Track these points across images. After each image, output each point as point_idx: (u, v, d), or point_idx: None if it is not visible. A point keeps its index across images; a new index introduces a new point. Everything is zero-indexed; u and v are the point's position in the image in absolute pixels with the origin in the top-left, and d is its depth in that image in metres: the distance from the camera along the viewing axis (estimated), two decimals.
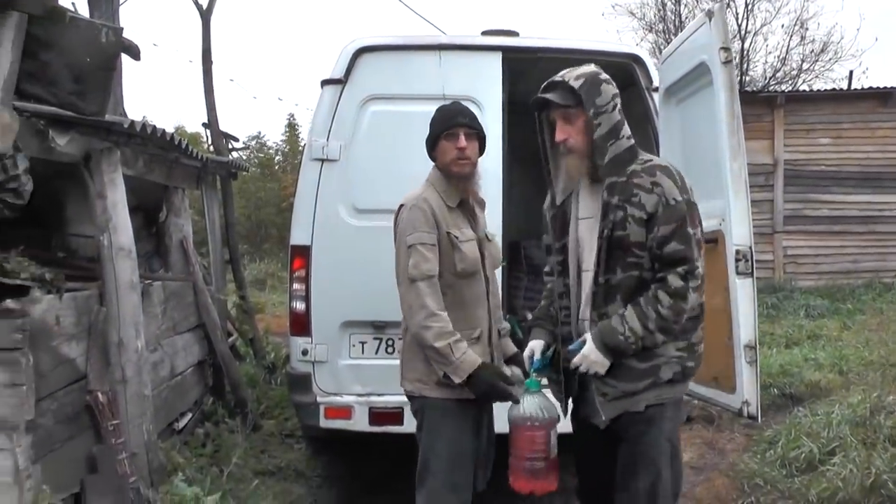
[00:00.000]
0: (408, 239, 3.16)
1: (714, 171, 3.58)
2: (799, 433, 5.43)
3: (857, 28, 29.83)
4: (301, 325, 4.36)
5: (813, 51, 18.71)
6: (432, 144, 3.33)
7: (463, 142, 3.23)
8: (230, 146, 8.13)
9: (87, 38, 3.26)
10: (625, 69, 4.70)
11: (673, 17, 20.88)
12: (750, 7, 20.10)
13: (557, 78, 2.93)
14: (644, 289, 2.81)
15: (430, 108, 4.27)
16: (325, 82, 4.45)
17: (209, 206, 6.37)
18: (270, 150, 27.13)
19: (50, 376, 3.40)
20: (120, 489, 3.58)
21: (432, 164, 3.40)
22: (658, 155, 3.83)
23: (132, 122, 3.80)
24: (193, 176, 5.92)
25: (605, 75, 2.92)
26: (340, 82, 4.39)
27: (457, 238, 3.22)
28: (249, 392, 6.13)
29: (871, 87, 14.87)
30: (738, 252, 3.46)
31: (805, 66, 18.89)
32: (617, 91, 2.91)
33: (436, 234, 3.18)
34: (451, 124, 3.26)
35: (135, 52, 3.69)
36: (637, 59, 4.74)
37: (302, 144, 26.97)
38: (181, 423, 5.03)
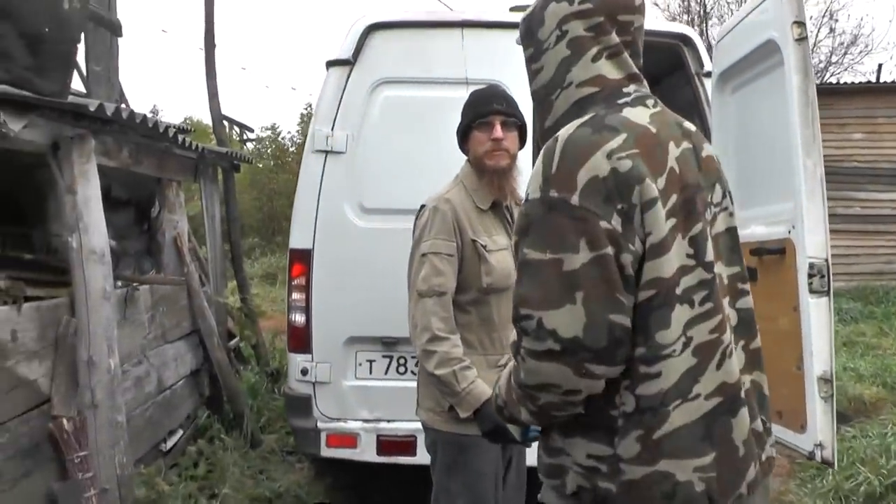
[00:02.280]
0: (422, 246, 2.72)
1: (782, 170, 3.05)
2: (852, 460, 4.94)
3: (889, 20, 29.07)
4: (300, 340, 3.87)
5: (842, 43, 18.11)
6: (463, 135, 2.86)
7: (499, 131, 2.76)
8: (244, 137, 7.64)
9: (47, 4, 2.75)
10: (671, 50, 4.18)
11: (698, 8, 20.37)
12: None
13: None
14: None
15: (451, 94, 3.82)
16: (330, 63, 3.95)
17: (208, 200, 5.88)
18: (285, 141, 26.75)
19: (3, 401, 2.92)
20: None
21: (463, 158, 2.93)
22: None
23: (101, 105, 3.29)
24: (190, 168, 5.43)
25: None
26: (348, 63, 3.89)
27: (484, 247, 2.73)
28: (249, 403, 5.64)
29: None
30: (812, 266, 2.91)
31: (834, 58, 18.33)
32: (578, 9, 1.66)
33: (455, 242, 2.71)
34: (486, 111, 2.78)
35: (116, 28, 3.20)
36: (686, 40, 4.21)
37: None
38: (170, 443, 4.55)
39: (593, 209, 1.46)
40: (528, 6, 4.27)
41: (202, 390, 5.37)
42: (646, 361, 1.50)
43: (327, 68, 3.97)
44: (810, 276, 2.91)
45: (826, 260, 2.99)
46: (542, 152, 1.57)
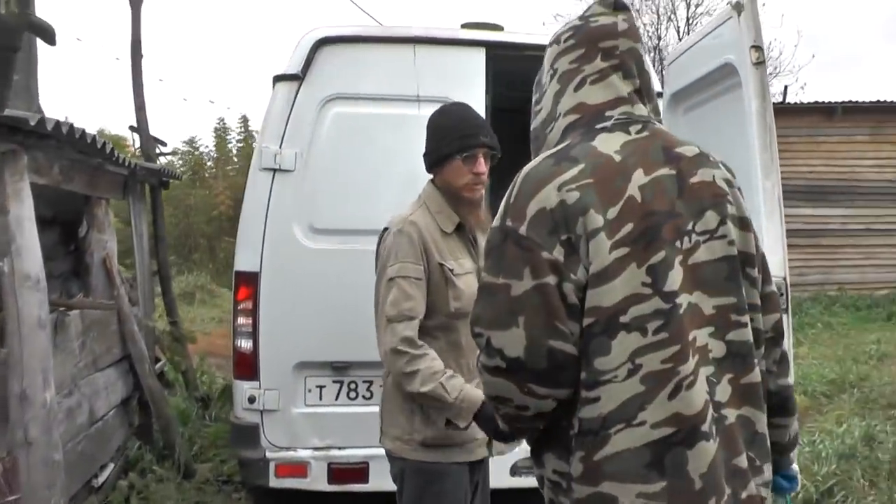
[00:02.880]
0: (388, 271, 2.60)
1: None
2: None
3: (794, 45, 30.36)
4: (247, 366, 3.70)
5: None
6: (438, 161, 2.73)
7: (482, 166, 2.69)
8: (158, 151, 7.39)
9: None
10: None
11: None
12: (692, 22, 20.19)
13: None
14: None
15: (402, 111, 3.77)
16: (278, 78, 3.81)
17: (137, 218, 5.63)
18: (202, 156, 26.12)
19: None
20: None
21: (417, 177, 2.86)
22: None
23: (42, 119, 3.08)
24: (119, 185, 5.18)
25: (554, 35, 1.83)
26: (297, 78, 3.75)
27: (451, 271, 2.64)
28: (181, 431, 5.39)
29: (815, 102, 15.00)
30: None
31: None
32: (565, 47, 1.75)
33: (422, 265, 2.61)
34: (473, 144, 2.67)
35: (50, 35, 2.97)
36: None
37: (231, 148, 26.24)
38: (101, 478, 4.28)
39: (537, 240, 1.54)
40: (480, 23, 4.26)
41: (132, 419, 5.11)
42: (587, 386, 1.55)
43: (274, 83, 3.83)
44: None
45: (784, 278, 3.03)
46: (511, 184, 1.66)
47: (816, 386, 7.49)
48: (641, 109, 1.71)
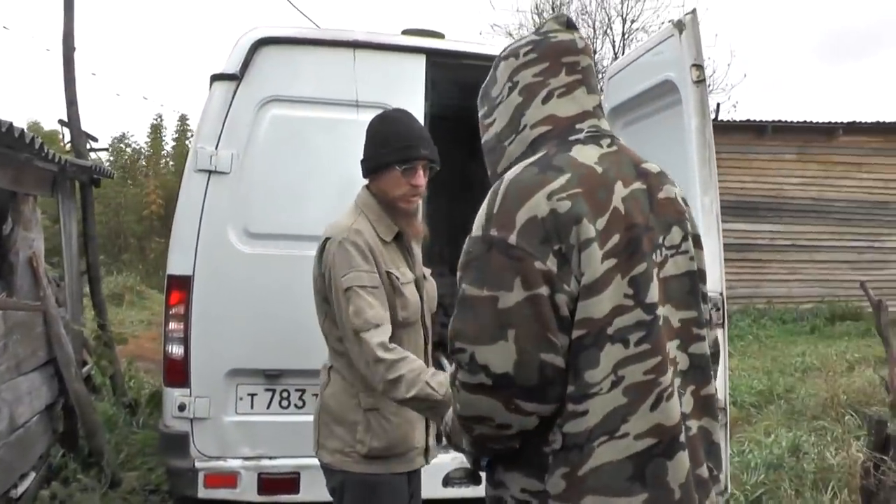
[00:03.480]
0: (343, 281, 2.51)
1: None
2: None
3: (727, 63, 31.10)
4: (177, 373, 3.59)
5: None
6: (376, 169, 2.68)
7: (422, 179, 2.67)
8: (89, 146, 7.17)
9: None
10: None
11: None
12: (627, 36, 20.55)
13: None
14: None
15: (341, 116, 3.72)
16: (215, 77, 3.72)
17: (66, 216, 5.44)
18: (133, 153, 25.54)
19: None
20: None
21: (353, 182, 2.81)
22: None
23: None
24: (48, 181, 5.01)
25: (510, 48, 1.81)
26: (235, 78, 3.66)
27: (398, 279, 2.62)
28: (107, 438, 5.23)
29: (748, 120, 15.47)
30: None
31: None
32: (525, 60, 1.74)
33: (376, 273, 2.56)
34: (415, 156, 2.64)
35: None
36: None
37: (165, 147, 25.76)
38: (21, 488, 4.11)
39: (529, 250, 1.49)
40: (421, 30, 4.24)
41: (56, 426, 4.93)
42: (574, 400, 1.51)
43: (211, 82, 3.74)
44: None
45: (721, 294, 3.08)
46: (490, 193, 1.60)
47: (746, 397, 7.71)
48: (605, 124, 1.74)
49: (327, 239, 2.61)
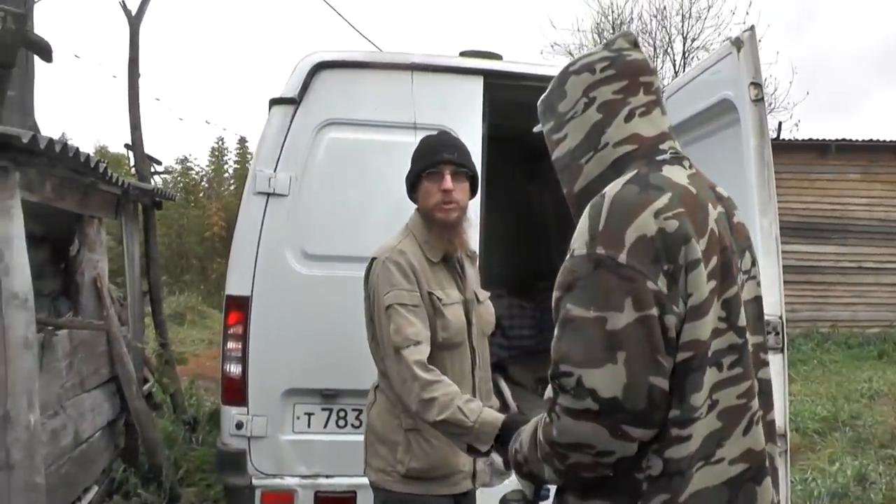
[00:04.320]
0: (384, 299, 2.55)
1: None
2: None
3: (789, 81, 30.52)
4: (235, 392, 3.63)
5: None
6: (413, 184, 2.75)
7: (449, 182, 2.67)
8: (152, 169, 7.36)
9: None
10: None
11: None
12: (688, 55, 20.35)
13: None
14: None
15: (399, 138, 3.73)
16: (274, 101, 3.77)
17: (129, 239, 5.59)
18: (196, 175, 26.11)
19: None
20: None
21: (412, 205, 2.83)
22: None
23: (34, 136, 3.06)
24: (112, 204, 5.16)
25: (581, 61, 1.76)
26: (293, 102, 3.71)
27: (440, 300, 2.63)
28: (167, 454, 5.32)
29: (809, 139, 15.14)
30: (767, 323, 2.90)
31: None
32: (603, 76, 1.71)
33: (417, 292, 2.58)
34: (435, 160, 2.68)
35: (46, 52, 2.98)
36: None
37: (228, 168, 26.27)
38: (84, 501, 4.21)
39: (641, 269, 1.44)
40: (478, 51, 4.24)
41: (118, 441, 5.05)
42: (679, 424, 1.47)
43: (270, 107, 3.80)
44: (766, 333, 2.91)
45: (780, 317, 3.01)
46: (588, 209, 1.55)
47: (809, 423, 7.53)
48: (678, 145, 1.72)
49: (373, 259, 2.66)
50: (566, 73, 1.76)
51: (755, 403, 1.53)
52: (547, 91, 1.81)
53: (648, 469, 1.49)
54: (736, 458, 1.51)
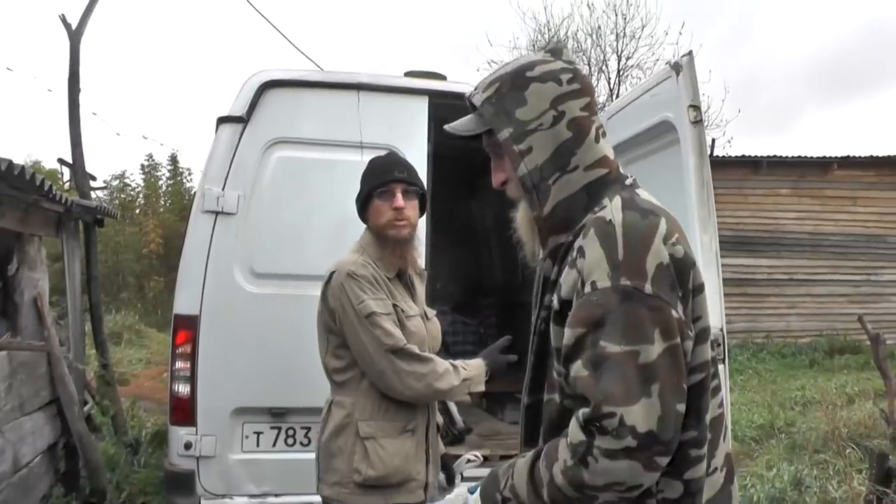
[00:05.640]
0: (361, 308, 2.61)
1: None
2: None
3: (722, 99, 31.36)
4: (184, 412, 3.60)
5: None
6: (364, 203, 2.81)
7: (400, 200, 2.74)
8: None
9: None
10: None
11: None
12: (622, 74, 20.75)
13: (470, 91, 1.75)
14: (566, 427, 1.50)
15: (345, 157, 3.77)
16: (221, 120, 3.77)
17: (70, 256, 5.49)
18: (132, 192, 25.65)
19: None
20: None
21: (358, 220, 2.88)
22: None
23: None
24: (53, 222, 5.06)
25: (540, 68, 1.63)
26: (241, 121, 3.72)
27: (403, 312, 2.71)
28: (109, 477, 5.21)
29: (742, 156, 15.55)
30: None
31: None
32: (570, 89, 1.61)
33: (389, 301, 2.68)
34: (386, 179, 2.75)
35: None
36: None
37: (161, 185, 25.83)
38: None
39: (666, 298, 1.42)
40: (423, 71, 4.30)
41: (58, 466, 4.92)
42: (696, 444, 1.48)
43: (218, 125, 3.79)
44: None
45: (721, 329, 3.12)
46: (596, 237, 1.47)
47: (747, 431, 7.72)
48: None
49: (333, 272, 2.70)
50: (524, 78, 1.62)
51: (726, 410, 1.61)
52: (492, 90, 1.65)
53: (660, 493, 1.49)
54: (721, 465, 1.57)
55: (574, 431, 1.42)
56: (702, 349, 1.48)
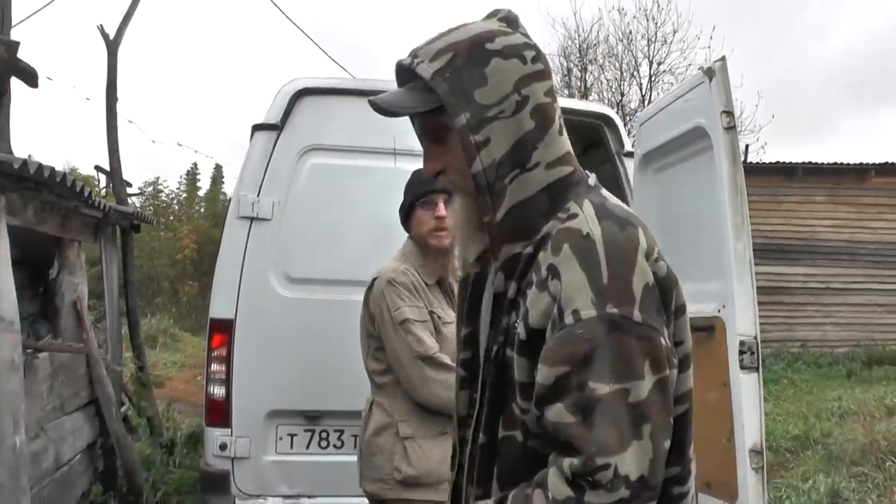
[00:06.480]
0: (397, 315, 2.71)
1: (710, 250, 3.18)
2: None
3: (755, 104, 31.03)
4: (219, 414, 3.66)
5: None
6: (407, 213, 2.88)
7: (442, 210, 2.79)
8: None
9: None
10: (593, 130, 4.28)
11: (579, 84, 21.25)
12: (654, 79, 20.66)
13: (405, 59, 1.40)
14: (527, 469, 1.29)
15: (378, 164, 3.81)
16: (256, 127, 3.84)
17: (108, 262, 5.59)
18: (166, 198, 26.05)
19: None
20: None
21: (391, 226, 3.01)
22: None
23: (25, 162, 3.09)
24: (91, 227, 5.16)
25: (501, 40, 1.34)
26: (276, 128, 3.78)
27: (440, 318, 2.78)
28: (145, 477, 5.31)
29: (776, 162, 15.39)
30: (742, 343, 3.03)
31: None
32: (534, 69, 1.34)
33: (425, 309, 2.76)
34: (428, 189, 2.80)
35: (32, 78, 3.01)
36: (608, 121, 4.32)
37: (200, 193, 26.28)
38: None
39: (654, 325, 1.22)
40: None
41: (96, 465, 5.02)
42: (680, 481, 1.33)
43: (253, 132, 3.86)
44: (741, 352, 3.01)
45: (755, 337, 3.10)
46: (576, 256, 1.23)
47: (781, 442, 7.61)
48: None
49: (375, 279, 2.79)
50: (484, 50, 1.32)
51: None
52: (444, 61, 1.33)
53: None
54: (692, 483, 1.42)
55: (557, 486, 1.19)
56: (685, 377, 1.33)
